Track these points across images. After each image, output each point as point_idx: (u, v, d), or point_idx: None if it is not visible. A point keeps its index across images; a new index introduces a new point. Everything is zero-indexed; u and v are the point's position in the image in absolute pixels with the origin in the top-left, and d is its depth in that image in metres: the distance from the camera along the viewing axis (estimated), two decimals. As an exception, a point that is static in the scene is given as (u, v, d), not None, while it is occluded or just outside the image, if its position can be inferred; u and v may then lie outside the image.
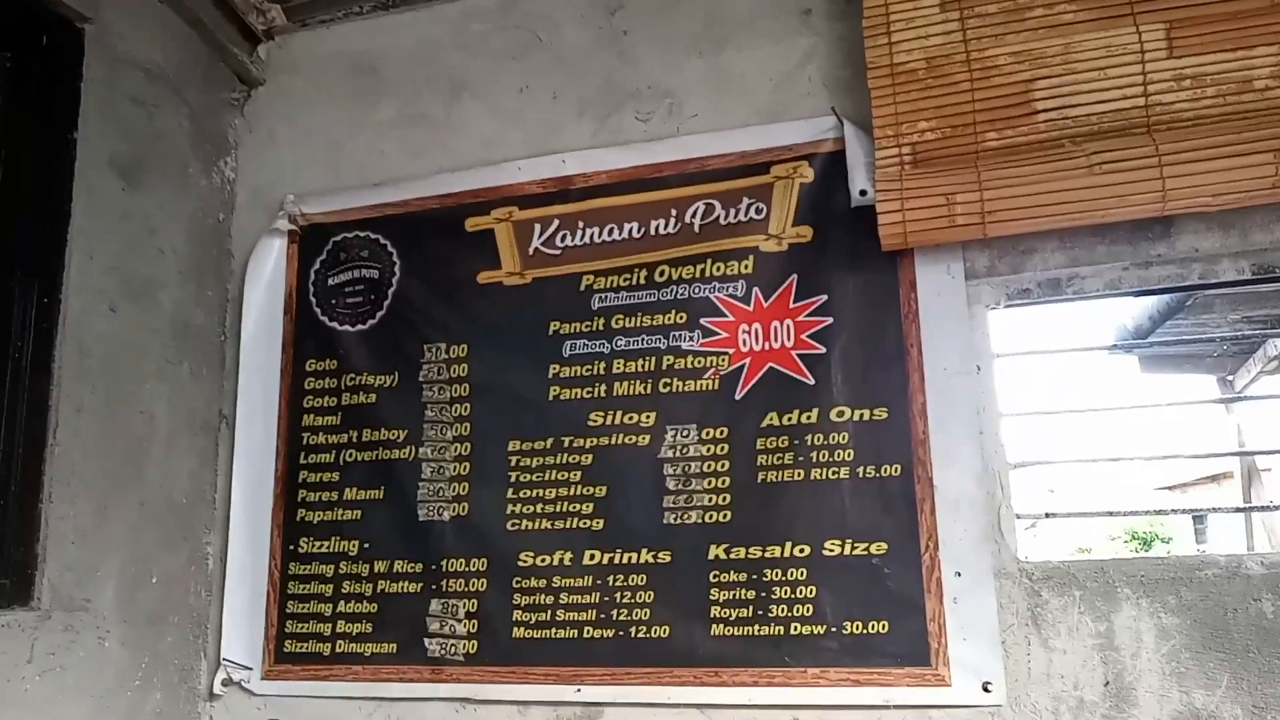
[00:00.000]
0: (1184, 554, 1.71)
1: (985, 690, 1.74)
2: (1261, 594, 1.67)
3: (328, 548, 2.19)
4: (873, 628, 1.83)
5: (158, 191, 2.21)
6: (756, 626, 1.89)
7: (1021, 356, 1.99)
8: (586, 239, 2.19)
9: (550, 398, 2.12)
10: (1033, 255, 1.93)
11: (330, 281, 2.35)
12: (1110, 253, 1.89)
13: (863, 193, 1.98)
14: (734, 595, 1.92)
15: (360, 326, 2.31)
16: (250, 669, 2.16)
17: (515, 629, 2.02)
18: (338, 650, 2.13)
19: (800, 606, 1.88)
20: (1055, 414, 1.96)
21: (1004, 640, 1.76)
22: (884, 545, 1.86)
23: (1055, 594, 1.75)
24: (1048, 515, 1.88)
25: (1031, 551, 1.81)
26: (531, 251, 2.21)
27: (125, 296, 2.09)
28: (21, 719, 1.72)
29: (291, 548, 2.22)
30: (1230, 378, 4.40)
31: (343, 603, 2.15)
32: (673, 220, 2.14)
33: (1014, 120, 1.93)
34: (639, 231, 2.16)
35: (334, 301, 2.34)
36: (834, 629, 1.85)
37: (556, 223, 2.21)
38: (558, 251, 2.20)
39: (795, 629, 1.87)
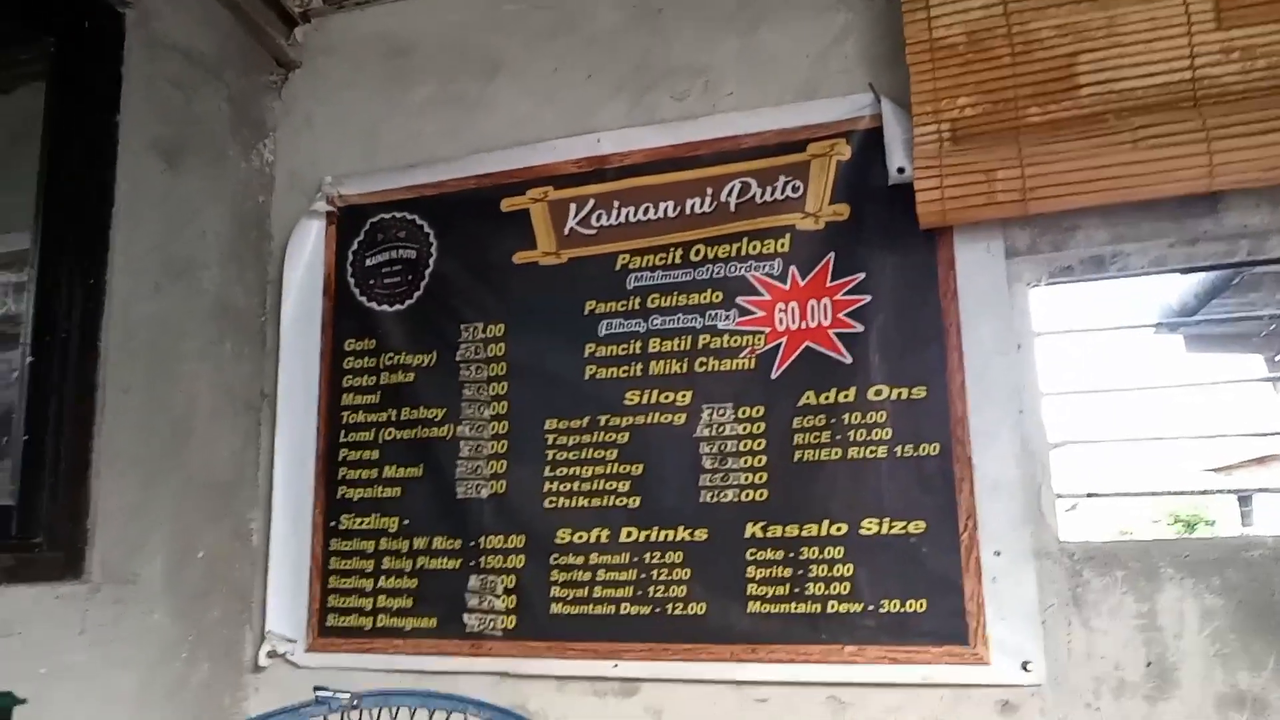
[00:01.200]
0: (1230, 535, 1.69)
1: (1024, 670, 1.74)
2: (1314, 575, 1.64)
3: (368, 524, 2.23)
4: (910, 606, 1.82)
5: (198, 174, 2.24)
6: (793, 604, 1.90)
7: (1063, 335, 1.96)
8: (622, 218, 2.19)
9: (586, 377, 2.13)
10: (1075, 232, 1.90)
11: (368, 262, 2.38)
12: (1155, 229, 1.86)
13: (901, 170, 1.96)
14: (771, 573, 1.92)
15: (398, 306, 2.33)
16: (294, 642, 2.20)
17: (553, 605, 2.04)
18: (379, 625, 2.16)
19: (837, 585, 1.88)
20: (1097, 393, 1.93)
21: (1044, 620, 1.75)
22: (922, 524, 1.86)
23: (1097, 574, 1.74)
24: (1090, 495, 1.87)
25: (1073, 532, 1.79)
26: (567, 231, 2.22)
27: (168, 278, 2.12)
28: (74, 688, 1.77)
29: (333, 524, 2.25)
30: (1279, 358, 4.31)
31: (383, 578, 2.18)
32: (708, 199, 2.13)
33: (1057, 95, 1.90)
34: (674, 211, 2.15)
35: (372, 282, 2.36)
36: (871, 607, 1.85)
37: (592, 202, 2.21)
38: (593, 231, 2.20)
39: (832, 607, 1.87)
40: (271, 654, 2.20)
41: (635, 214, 2.18)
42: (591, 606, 2.02)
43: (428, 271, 2.32)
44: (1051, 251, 1.91)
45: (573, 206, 2.23)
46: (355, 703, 0.97)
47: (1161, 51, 1.85)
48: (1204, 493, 1.84)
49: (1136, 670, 1.69)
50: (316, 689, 1.04)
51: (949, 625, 1.79)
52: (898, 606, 1.83)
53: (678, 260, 2.12)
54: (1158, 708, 1.67)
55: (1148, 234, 1.86)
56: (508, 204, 2.28)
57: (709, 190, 2.14)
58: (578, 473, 2.09)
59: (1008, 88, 1.94)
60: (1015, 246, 1.92)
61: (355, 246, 2.40)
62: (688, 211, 2.15)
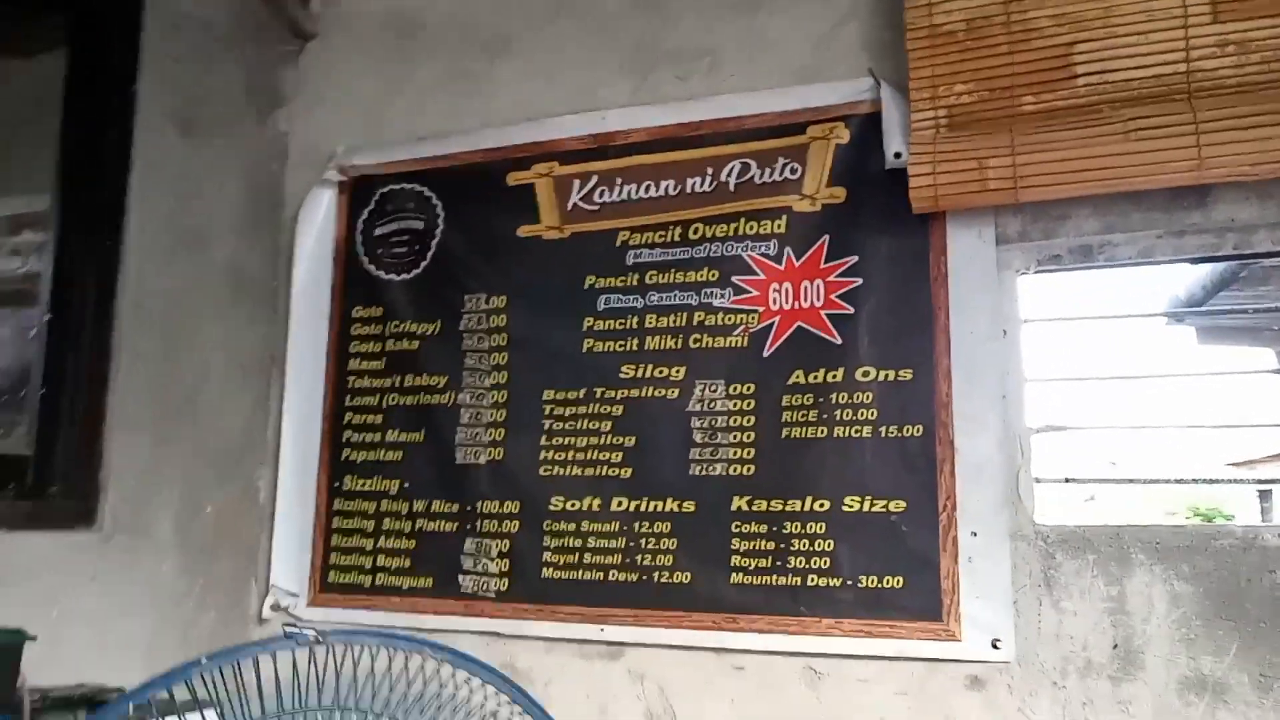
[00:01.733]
0: (1200, 524, 1.73)
1: (994, 647, 1.79)
2: (1277, 566, 1.68)
3: (370, 486, 2.31)
4: (887, 582, 1.88)
5: (213, 143, 2.30)
6: (775, 577, 1.95)
7: (1051, 323, 1.99)
8: (624, 195, 2.23)
9: (584, 350, 2.18)
10: (1065, 221, 1.92)
11: (377, 232, 2.44)
12: (1144, 220, 1.88)
13: (897, 155, 1.99)
14: (754, 546, 1.98)
15: (405, 276, 2.39)
16: (296, 596, 2.29)
17: (544, 570, 2.12)
18: (378, 583, 2.25)
19: (818, 559, 1.93)
20: (1081, 381, 1.97)
21: (1016, 600, 1.79)
22: (902, 503, 1.90)
23: (1069, 557, 1.78)
24: (1067, 480, 1.90)
25: (1048, 515, 1.83)
26: (570, 207, 2.27)
27: (183, 245, 2.19)
28: (85, 631, 1.86)
29: (337, 485, 2.34)
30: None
31: (383, 538, 2.27)
32: (708, 179, 2.17)
33: (1052, 84, 1.92)
34: (675, 189, 2.19)
35: (380, 251, 2.42)
36: (850, 582, 1.90)
37: (595, 179, 2.26)
38: (596, 207, 2.25)
39: (812, 580, 1.92)
40: (275, 607, 2.29)
41: (637, 191, 2.23)
42: (581, 572, 2.09)
43: (434, 242, 2.38)
44: (1041, 239, 1.94)
45: (576, 183, 2.28)
46: (321, 639, 1.03)
47: (1157, 43, 1.86)
48: (1180, 482, 1.88)
49: (1103, 651, 1.74)
50: (285, 625, 1.10)
51: (924, 601, 1.84)
52: (875, 582, 1.88)
53: (676, 238, 2.17)
54: (1121, 688, 1.72)
55: (1137, 224, 1.88)
56: (513, 178, 2.33)
57: (709, 170, 2.18)
58: (573, 442, 2.16)
59: (1004, 76, 1.95)
60: (1006, 233, 1.95)
61: (365, 216, 2.46)
62: (688, 190, 2.19)
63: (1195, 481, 1.90)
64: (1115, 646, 1.74)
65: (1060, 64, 1.91)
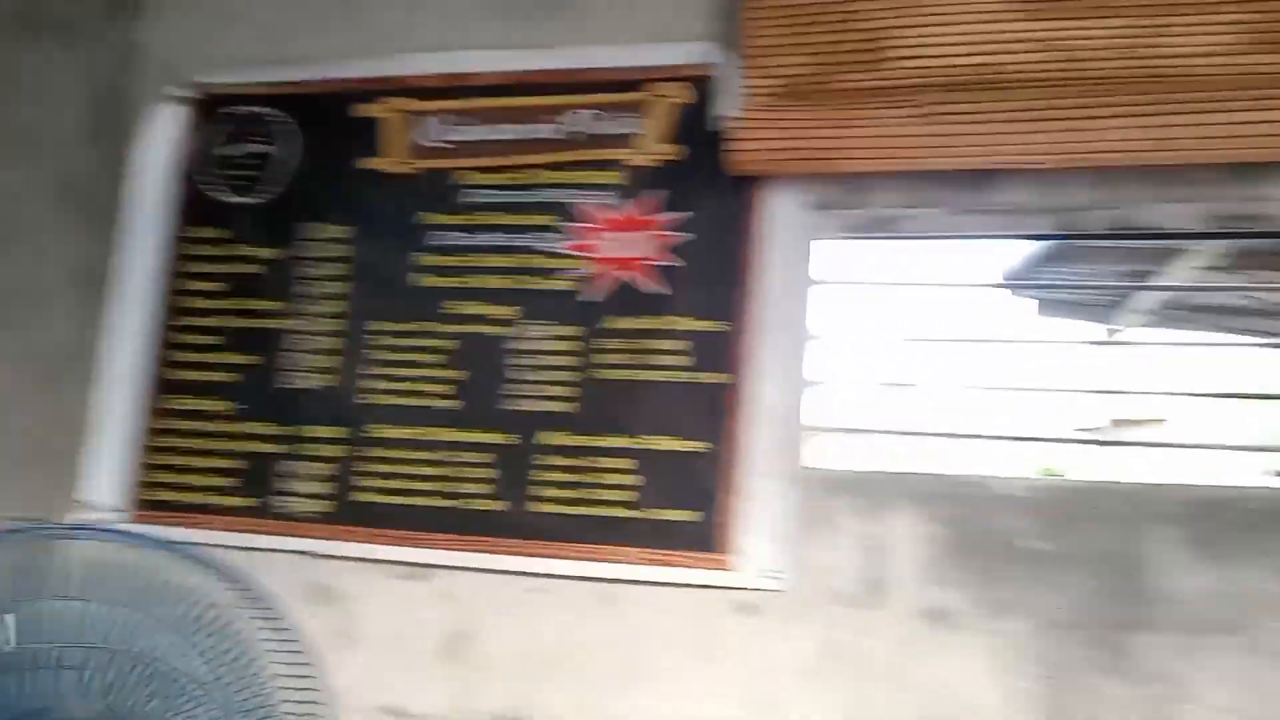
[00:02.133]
0: (953, 473, 1.93)
1: (766, 578, 1.96)
2: (1013, 514, 1.88)
3: (200, 406, 2.33)
4: (680, 516, 2.02)
5: (58, 46, 2.26)
6: (583, 507, 2.08)
7: (845, 285, 2.15)
8: (468, 136, 2.29)
9: (418, 284, 2.26)
10: (870, 194, 2.07)
11: (224, 153, 2.44)
12: (939, 198, 2.04)
13: (726, 118, 2.10)
14: (566, 478, 2.10)
15: (250, 200, 2.40)
16: (119, 511, 2.31)
17: (365, 494, 2.20)
18: (202, 501, 2.28)
19: (623, 492, 2.07)
20: (864, 343, 2.17)
21: (787, 536, 1.96)
22: (702, 445, 2.05)
23: (836, 499, 1.96)
24: (837, 430, 2.11)
25: (820, 461, 2.02)
26: (416, 143, 2.32)
27: (17, 152, 2.16)
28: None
29: (165, 405, 2.36)
30: (1110, 330, 4.64)
31: (210, 458, 2.30)
32: (553, 126, 2.25)
33: (870, 64, 2.05)
34: (518, 133, 2.27)
35: (225, 173, 2.43)
36: (649, 515, 2.04)
37: (442, 117, 2.31)
38: (440, 145, 2.31)
39: (615, 512, 2.06)
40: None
41: (483, 133, 2.29)
42: (400, 498, 2.17)
43: (282, 168, 2.40)
44: (847, 209, 2.08)
45: (426, 120, 2.32)
46: (45, 531, 1.08)
47: (968, 35, 2.00)
48: (944, 436, 2.07)
49: (859, 584, 1.92)
50: (12, 518, 1.15)
51: (710, 535, 2.00)
52: (670, 515, 2.03)
53: (515, 182, 2.25)
54: (872, 613, 1.90)
55: (932, 202, 2.04)
56: (365, 110, 2.36)
57: (555, 118, 2.26)
58: (402, 373, 2.23)
59: (830, 53, 2.08)
60: (816, 201, 2.08)
61: (213, 136, 2.45)
62: (533, 136, 2.26)
63: (966, 438, 2.10)
64: (869, 579, 1.93)
65: (879, 46, 2.04)
